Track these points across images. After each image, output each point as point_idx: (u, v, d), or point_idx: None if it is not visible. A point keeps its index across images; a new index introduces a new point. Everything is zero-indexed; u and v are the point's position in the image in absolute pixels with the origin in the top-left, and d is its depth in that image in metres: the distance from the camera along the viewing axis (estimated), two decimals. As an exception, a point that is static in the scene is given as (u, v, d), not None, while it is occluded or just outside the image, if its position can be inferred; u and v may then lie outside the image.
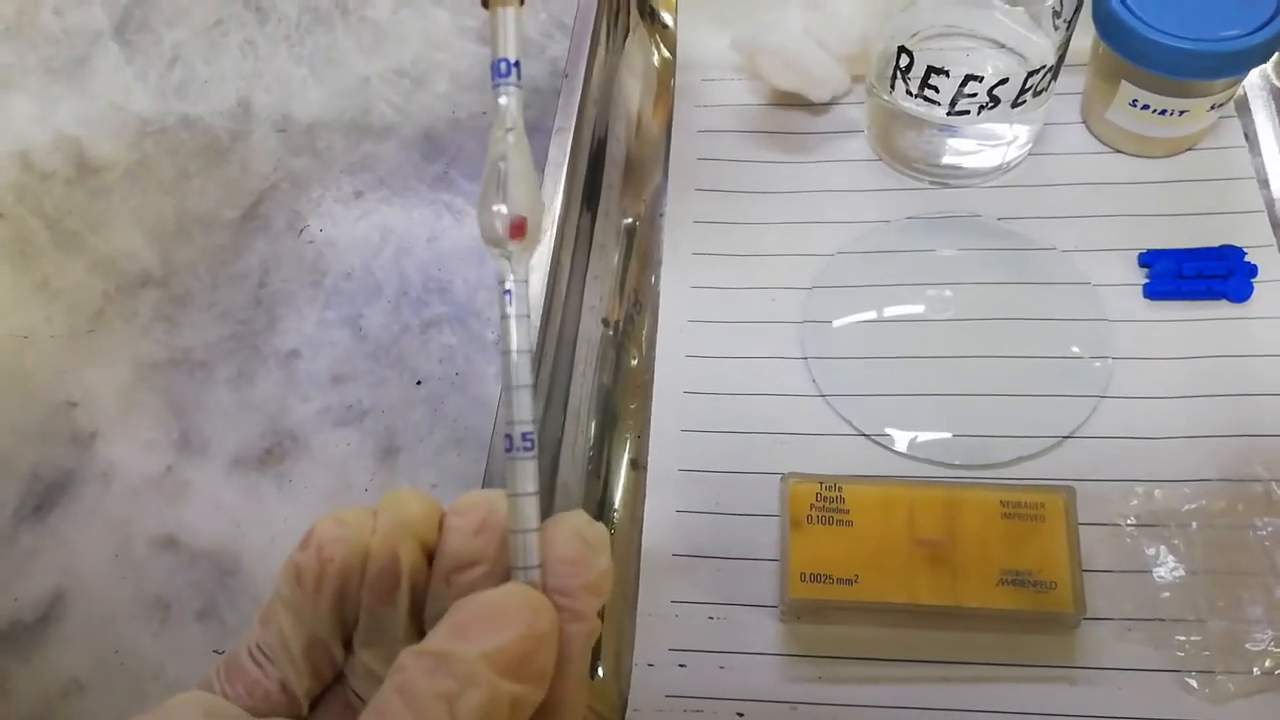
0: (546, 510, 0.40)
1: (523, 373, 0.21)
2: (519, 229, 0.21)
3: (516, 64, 0.21)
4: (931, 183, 0.49)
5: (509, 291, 0.21)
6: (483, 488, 0.35)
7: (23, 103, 0.58)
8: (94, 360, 0.49)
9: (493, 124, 0.22)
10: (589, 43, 0.49)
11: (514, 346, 0.21)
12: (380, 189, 0.53)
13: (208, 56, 0.59)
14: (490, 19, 0.22)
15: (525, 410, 0.21)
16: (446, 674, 0.18)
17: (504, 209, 0.21)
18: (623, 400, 0.45)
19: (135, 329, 0.49)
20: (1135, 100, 0.45)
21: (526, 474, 0.21)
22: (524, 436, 0.21)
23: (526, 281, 0.21)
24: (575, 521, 0.21)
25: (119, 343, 0.49)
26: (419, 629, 0.22)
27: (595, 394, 0.44)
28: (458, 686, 0.18)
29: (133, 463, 0.46)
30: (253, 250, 0.51)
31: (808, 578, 0.36)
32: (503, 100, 0.22)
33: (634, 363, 0.46)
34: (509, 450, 0.21)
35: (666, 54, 0.56)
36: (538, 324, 0.41)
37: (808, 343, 0.45)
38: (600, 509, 0.42)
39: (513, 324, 0.21)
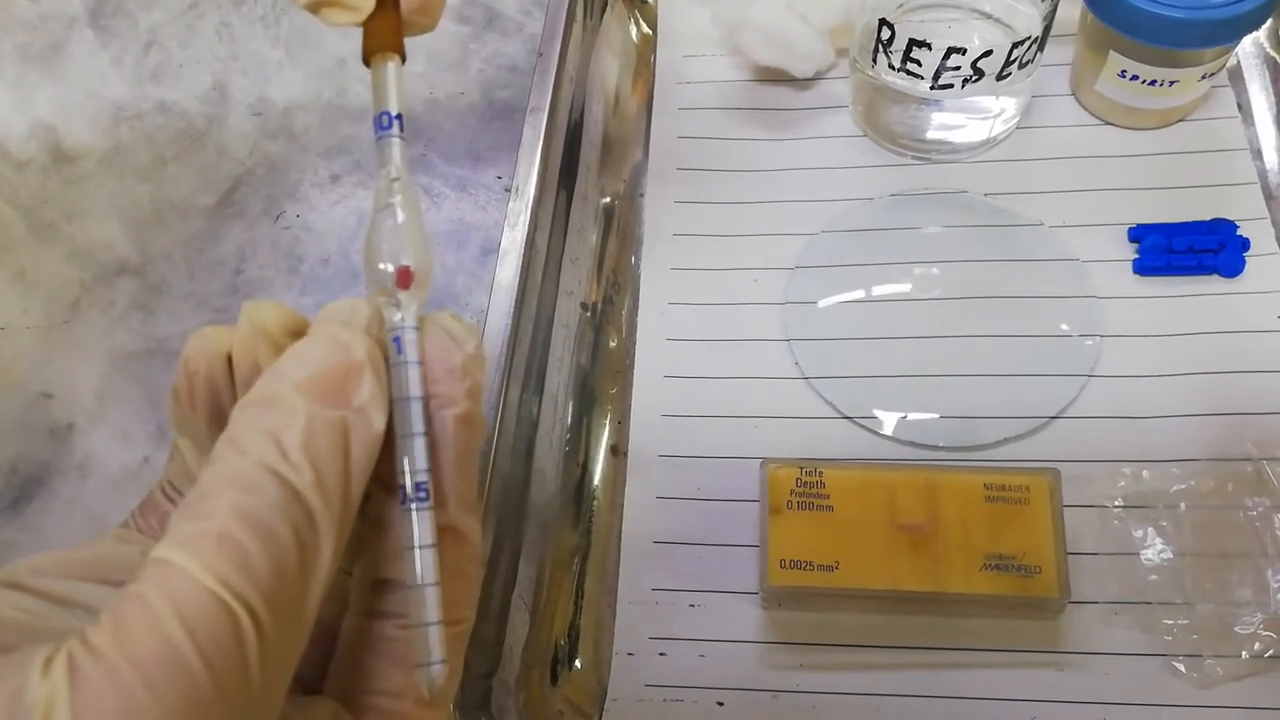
0: (523, 502, 0.39)
1: (416, 420, 0.21)
2: (405, 278, 0.21)
3: (398, 117, 0.22)
4: (916, 158, 0.48)
5: (397, 339, 0.21)
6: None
7: (-2, 90, 0.57)
8: (71, 351, 0.48)
9: (377, 175, 0.22)
10: (565, 19, 0.48)
11: (407, 393, 0.21)
12: (357, 172, 0.52)
13: (183, 40, 0.58)
14: (372, 74, 0.23)
15: (420, 459, 0.21)
16: (268, 412, 0.19)
17: (389, 262, 0.21)
18: (602, 384, 0.44)
19: (112, 319, 0.49)
20: (1124, 71, 0.44)
21: (424, 525, 0.20)
22: (419, 487, 0.20)
23: (416, 329, 0.21)
24: (441, 318, 0.22)
25: (96, 333, 0.48)
26: None
27: (573, 379, 0.44)
28: (281, 419, 0.19)
29: (110, 454, 0.45)
30: (229, 237, 0.50)
31: (788, 564, 0.36)
32: (384, 151, 0.22)
33: (613, 344, 0.45)
34: (403, 502, 0.20)
35: (646, 29, 0.55)
36: (512, 309, 0.40)
37: (790, 324, 0.44)
38: (579, 495, 0.42)
39: (403, 370, 0.21)
